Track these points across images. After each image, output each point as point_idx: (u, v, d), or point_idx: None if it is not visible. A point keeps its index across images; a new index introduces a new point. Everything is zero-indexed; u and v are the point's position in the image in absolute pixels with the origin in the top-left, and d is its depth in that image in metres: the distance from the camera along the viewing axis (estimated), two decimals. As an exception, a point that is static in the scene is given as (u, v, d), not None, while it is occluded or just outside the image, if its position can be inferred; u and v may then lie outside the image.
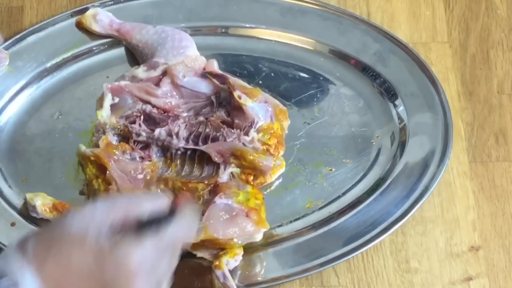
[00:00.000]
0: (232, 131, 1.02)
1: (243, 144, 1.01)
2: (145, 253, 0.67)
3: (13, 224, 1.01)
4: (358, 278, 1.01)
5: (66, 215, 0.70)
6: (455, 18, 1.18)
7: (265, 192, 1.03)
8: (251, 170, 1.01)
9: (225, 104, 1.05)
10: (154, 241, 0.68)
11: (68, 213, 0.70)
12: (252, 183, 1.01)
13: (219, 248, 0.96)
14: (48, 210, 1.00)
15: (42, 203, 1.00)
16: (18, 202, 1.03)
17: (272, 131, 1.03)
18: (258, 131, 1.03)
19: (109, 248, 0.67)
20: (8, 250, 0.68)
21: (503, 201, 1.06)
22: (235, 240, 0.95)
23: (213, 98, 1.06)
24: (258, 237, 0.97)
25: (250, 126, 1.02)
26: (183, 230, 0.71)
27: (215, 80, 1.06)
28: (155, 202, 0.72)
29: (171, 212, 0.72)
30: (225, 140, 1.01)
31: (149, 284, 0.68)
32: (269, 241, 1.01)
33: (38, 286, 0.66)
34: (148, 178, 1.00)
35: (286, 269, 0.99)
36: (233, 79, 1.06)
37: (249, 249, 0.99)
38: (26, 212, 1.01)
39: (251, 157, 1.00)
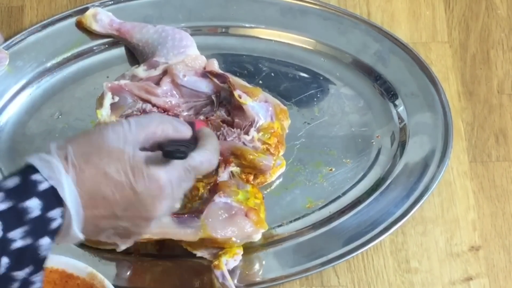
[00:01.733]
0: (232, 130, 1.02)
1: (243, 143, 1.01)
2: (174, 173, 0.75)
3: (13, 224, 1.01)
4: (358, 278, 1.01)
5: (103, 128, 0.76)
6: (455, 18, 1.18)
7: (265, 192, 1.03)
8: (251, 170, 1.01)
9: (225, 104, 1.05)
10: (182, 164, 0.76)
11: (105, 126, 0.76)
12: (252, 182, 1.01)
13: (219, 247, 0.95)
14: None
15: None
16: (18, 202, 1.03)
17: (273, 131, 1.03)
18: (258, 131, 1.03)
19: (144, 164, 0.73)
20: (50, 155, 0.72)
21: (503, 201, 1.05)
22: (233, 239, 0.95)
23: (213, 97, 1.06)
24: (257, 238, 0.97)
25: (250, 126, 1.02)
26: (207, 158, 0.79)
27: (215, 80, 1.06)
28: (182, 127, 0.79)
29: (195, 138, 0.80)
30: (225, 139, 1.01)
31: (171, 200, 0.76)
32: (269, 241, 1.01)
33: (75, 192, 0.71)
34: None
35: (286, 269, 0.99)
36: (234, 79, 1.06)
37: (249, 249, 0.99)
38: (26, 212, 1.01)
39: (251, 157, 1.00)
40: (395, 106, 1.10)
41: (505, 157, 1.08)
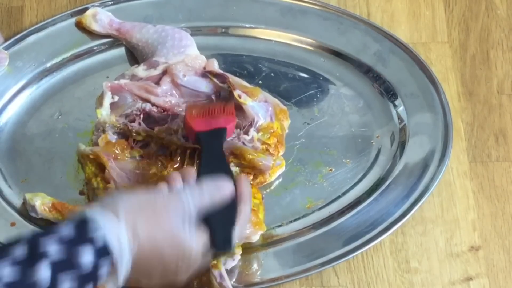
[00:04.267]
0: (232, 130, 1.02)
1: (243, 143, 1.01)
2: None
3: (13, 224, 1.01)
4: (358, 278, 1.01)
5: (165, 193, 0.82)
6: (455, 18, 1.18)
7: (265, 192, 1.03)
8: (251, 169, 1.01)
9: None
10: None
11: (166, 190, 0.83)
12: (251, 182, 1.01)
13: (218, 247, 0.95)
14: (47, 209, 1.00)
15: (41, 202, 1.00)
16: (18, 202, 1.03)
17: (272, 131, 1.03)
18: (257, 130, 1.03)
19: (191, 232, 0.79)
20: (118, 218, 0.75)
21: (503, 201, 1.05)
22: (232, 239, 0.95)
23: (213, 97, 1.06)
24: (255, 239, 0.97)
25: (250, 125, 1.02)
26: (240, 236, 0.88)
27: (215, 79, 1.06)
28: (229, 191, 0.85)
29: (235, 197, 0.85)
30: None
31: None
32: (269, 241, 1.01)
33: (129, 251, 0.75)
34: (147, 176, 1.00)
35: (286, 269, 0.99)
36: (233, 78, 1.06)
37: (249, 249, 0.99)
38: (26, 212, 1.01)
39: (251, 156, 1.00)
40: (395, 106, 1.10)
41: (505, 157, 1.08)
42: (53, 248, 0.70)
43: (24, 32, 1.14)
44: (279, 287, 1.00)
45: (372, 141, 1.09)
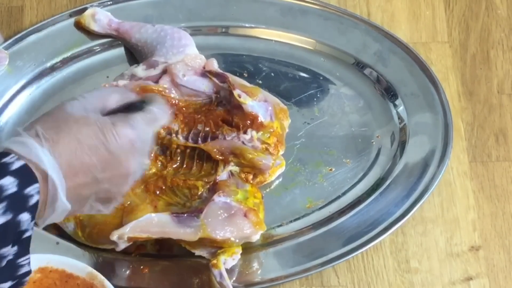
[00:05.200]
0: (232, 129, 1.02)
1: (243, 142, 1.01)
2: (139, 126, 0.83)
3: (12, 224, 1.01)
4: (358, 278, 1.01)
5: (61, 105, 0.81)
6: (455, 18, 1.18)
7: (265, 192, 1.03)
8: (250, 169, 1.01)
9: (225, 103, 1.05)
10: (143, 117, 0.85)
11: (61, 103, 0.81)
12: (251, 182, 1.01)
13: (217, 246, 0.95)
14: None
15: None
16: (18, 202, 1.03)
17: (272, 130, 1.03)
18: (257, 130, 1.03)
19: (111, 124, 0.80)
20: (22, 136, 0.75)
21: (503, 201, 1.05)
22: (232, 239, 0.95)
23: (212, 96, 1.06)
24: (255, 238, 0.97)
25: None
26: (162, 108, 0.91)
27: (215, 79, 1.06)
28: (129, 94, 0.90)
29: (143, 100, 0.90)
30: (224, 138, 1.01)
31: (141, 154, 0.83)
32: (269, 241, 1.01)
33: (53, 163, 0.74)
34: (147, 176, 1.00)
35: (286, 269, 0.99)
36: (233, 78, 1.06)
37: (249, 249, 0.99)
38: (26, 211, 1.01)
39: (250, 156, 1.00)
40: (395, 106, 1.10)
41: (505, 157, 1.08)
42: None
43: (24, 32, 1.13)
44: (279, 287, 1.00)
45: (372, 141, 1.09)
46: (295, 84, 1.12)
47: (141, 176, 0.90)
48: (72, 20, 1.14)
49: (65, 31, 1.14)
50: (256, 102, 1.03)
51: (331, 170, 1.07)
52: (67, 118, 0.78)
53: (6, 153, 0.73)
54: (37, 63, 1.12)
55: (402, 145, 1.07)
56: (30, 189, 0.72)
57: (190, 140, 1.01)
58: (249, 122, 1.02)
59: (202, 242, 0.94)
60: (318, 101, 1.11)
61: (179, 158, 1.02)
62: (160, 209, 0.97)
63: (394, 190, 1.04)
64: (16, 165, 0.72)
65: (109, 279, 0.91)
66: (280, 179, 1.05)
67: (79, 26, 1.14)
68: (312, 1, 1.16)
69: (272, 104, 1.05)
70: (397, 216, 1.01)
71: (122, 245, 0.94)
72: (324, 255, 0.99)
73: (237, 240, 0.95)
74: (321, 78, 1.13)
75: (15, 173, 0.71)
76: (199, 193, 0.98)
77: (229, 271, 0.95)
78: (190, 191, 0.98)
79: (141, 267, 0.98)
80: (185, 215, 0.94)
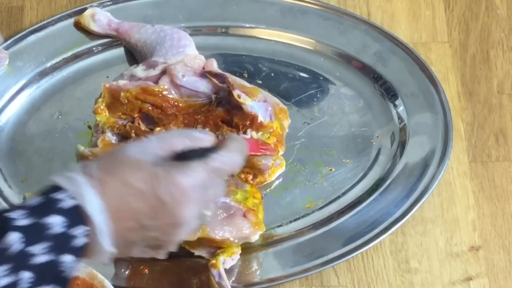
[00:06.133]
0: (232, 130, 1.02)
1: (242, 142, 1.01)
2: (196, 176, 0.74)
3: (13, 224, 1.01)
4: (358, 278, 1.01)
5: (124, 145, 0.78)
6: (455, 18, 1.18)
7: (265, 192, 1.03)
8: (250, 169, 1.01)
9: (225, 103, 1.05)
10: (204, 166, 0.75)
11: (127, 144, 0.79)
12: (251, 182, 1.01)
13: (216, 246, 0.95)
14: (47, 209, 0.99)
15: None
16: (18, 202, 1.03)
17: (272, 130, 1.03)
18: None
19: (164, 172, 0.73)
20: (74, 172, 0.72)
21: (503, 201, 1.05)
22: (231, 239, 0.95)
23: (212, 97, 1.06)
24: (254, 239, 0.97)
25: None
26: (230, 158, 0.78)
27: (214, 79, 1.06)
28: (203, 137, 0.80)
29: (218, 146, 0.79)
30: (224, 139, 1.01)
31: (198, 205, 0.75)
32: (269, 241, 1.01)
33: (100, 205, 0.71)
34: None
35: (286, 269, 0.99)
36: (233, 78, 1.06)
37: (249, 249, 0.99)
38: (26, 212, 1.01)
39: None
40: (395, 106, 1.10)
41: (505, 157, 1.08)
42: (18, 215, 0.68)
43: (24, 32, 1.14)
44: (279, 287, 1.00)
45: (372, 141, 1.09)
46: (295, 84, 1.12)
47: (199, 227, 0.86)
48: (72, 20, 1.15)
49: (65, 31, 1.14)
50: (256, 102, 1.03)
51: (331, 170, 1.07)
52: (123, 160, 0.74)
53: (58, 188, 0.71)
54: (37, 63, 1.12)
55: (402, 145, 1.07)
56: (78, 231, 0.69)
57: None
58: (248, 122, 1.02)
59: (201, 242, 0.94)
60: (318, 101, 1.11)
61: (178, 158, 1.01)
62: (160, 209, 0.97)
63: (394, 190, 1.04)
64: (68, 204, 0.69)
65: (109, 279, 0.91)
66: (280, 179, 1.05)
67: (79, 26, 1.14)
68: (312, 1, 1.16)
69: (272, 104, 1.05)
70: (397, 216, 1.01)
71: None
72: (324, 255, 0.99)
73: (236, 240, 0.95)
74: (321, 78, 1.13)
75: (66, 213, 0.69)
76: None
77: (229, 271, 0.95)
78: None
79: (141, 267, 0.98)
80: (185, 215, 0.94)
